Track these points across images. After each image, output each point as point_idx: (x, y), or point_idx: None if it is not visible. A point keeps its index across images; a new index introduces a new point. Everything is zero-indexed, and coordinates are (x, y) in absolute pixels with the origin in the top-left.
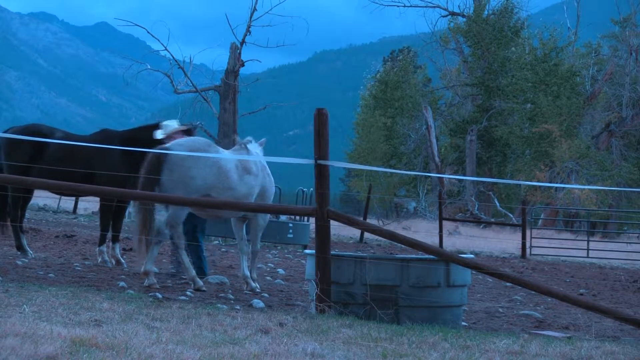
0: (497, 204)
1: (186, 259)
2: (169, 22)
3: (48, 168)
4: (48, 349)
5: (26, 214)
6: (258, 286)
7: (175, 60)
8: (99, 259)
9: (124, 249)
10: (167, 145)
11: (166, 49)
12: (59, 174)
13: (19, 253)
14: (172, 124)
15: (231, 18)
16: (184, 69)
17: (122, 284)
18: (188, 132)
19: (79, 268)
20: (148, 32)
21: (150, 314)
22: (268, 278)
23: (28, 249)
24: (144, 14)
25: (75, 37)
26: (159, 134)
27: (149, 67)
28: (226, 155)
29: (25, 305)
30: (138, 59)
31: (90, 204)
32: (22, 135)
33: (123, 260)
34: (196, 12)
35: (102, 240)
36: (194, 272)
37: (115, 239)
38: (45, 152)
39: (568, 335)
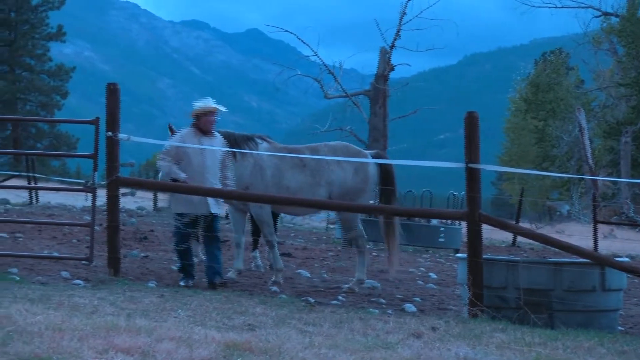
0: None
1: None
2: (315, 27)
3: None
4: (202, 353)
5: None
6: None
7: (325, 66)
8: (252, 264)
9: None
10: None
11: (316, 54)
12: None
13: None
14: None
15: (378, 22)
16: (334, 74)
17: (274, 288)
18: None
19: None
20: (298, 38)
21: (302, 318)
22: (420, 282)
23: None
24: (291, 19)
25: (226, 44)
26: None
27: (299, 72)
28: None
29: (180, 310)
30: (288, 64)
31: None
32: None
33: None
34: (340, 16)
35: (255, 245)
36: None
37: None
38: None
39: None
